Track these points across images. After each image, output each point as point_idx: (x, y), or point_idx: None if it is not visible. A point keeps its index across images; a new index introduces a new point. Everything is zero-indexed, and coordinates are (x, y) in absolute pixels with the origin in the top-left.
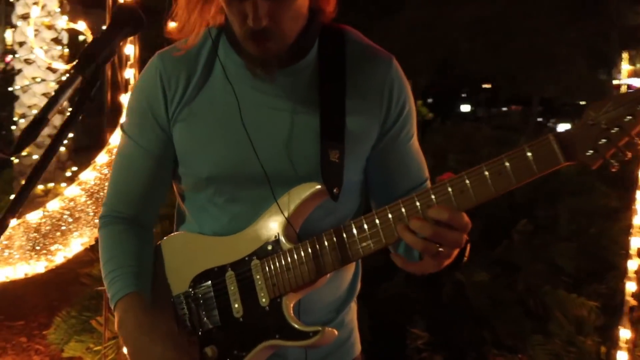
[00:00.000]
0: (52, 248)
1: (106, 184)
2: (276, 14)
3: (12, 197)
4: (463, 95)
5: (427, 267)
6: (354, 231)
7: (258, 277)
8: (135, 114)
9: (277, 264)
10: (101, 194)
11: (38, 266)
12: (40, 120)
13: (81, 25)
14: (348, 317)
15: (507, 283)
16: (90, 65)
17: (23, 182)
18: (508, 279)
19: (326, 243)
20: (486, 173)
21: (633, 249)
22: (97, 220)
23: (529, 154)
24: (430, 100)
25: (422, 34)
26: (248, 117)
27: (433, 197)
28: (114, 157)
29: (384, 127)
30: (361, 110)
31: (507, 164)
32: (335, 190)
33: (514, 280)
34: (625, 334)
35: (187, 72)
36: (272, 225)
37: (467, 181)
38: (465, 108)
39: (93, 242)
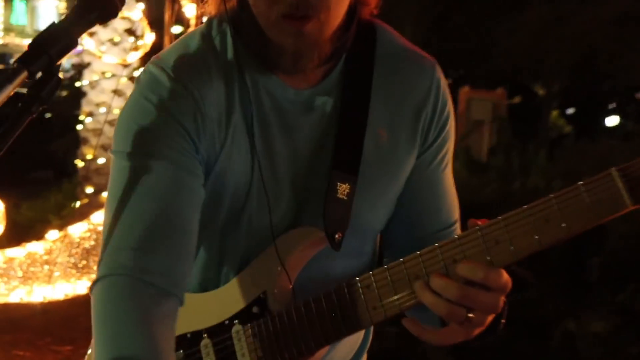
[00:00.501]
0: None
1: None
2: None
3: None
4: (611, 106)
5: (451, 337)
6: (361, 291)
7: (240, 346)
8: (156, 130)
9: (265, 330)
10: None
11: (79, 286)
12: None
13: (137, 14)
14: None
15: (632, 336)
16: (40, 58)
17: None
18: (633, 332)
19: (325, 306)
20: (529, 219)
21: None
22: None
23: (585, 194)
24: (570, 111)
25: (556, 32)
26: (258, 138)
27: (461, 248)
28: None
29: (424, 145)
30: (392, 132)
31: (555, 207)
32: (337, 236)
33: None
34: None
35: (220, 94)
36: (261, 279)
37: (505, 229)
38: (613, 121)
39: None
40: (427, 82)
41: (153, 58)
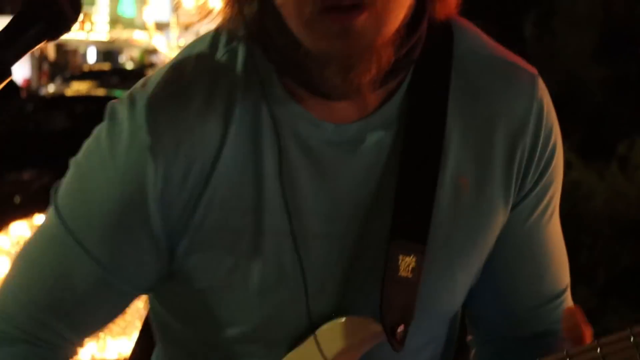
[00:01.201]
0: None
1: None
2: None
3: None
4: None
5: None
6: None
7: None
8: (94, 207)
9: None
10: None
11: None
12: None
13: None
14: None
15: None
16: None
17: None
18: None
19: None
20: None
21: None
22: None
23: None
24: None
25: None
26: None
27: None
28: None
29: (519, 192)
30: (476, 178)
31: None
32: (399, 330)
33: None
34: None
35: (198, 143)
36: None
37: None
38: None
39: None
40: (525, 104)
41: (137, 84)
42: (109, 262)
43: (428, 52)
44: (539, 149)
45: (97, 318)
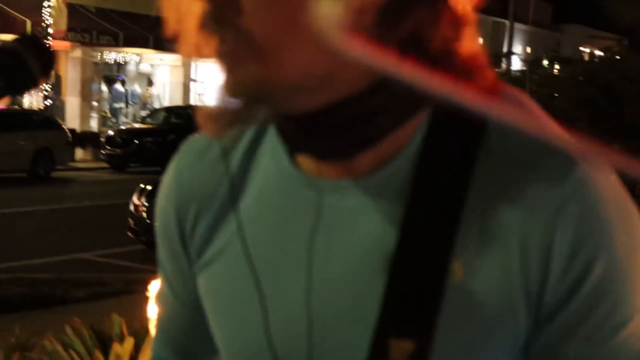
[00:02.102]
0: None
1: None
2: None
3: None
4: None
5: None
6: None
7: None
8: (158, 236)
9: None
10: None
11: None
12: None
13: None
14: None
15: None
16: None
17: None
18: None
19: None
20: None
21: None
22: None
23: None
24: None
25: None
26: (281, 266)
27: None
28: None
29: (539, 308)
30: (486, 270)
31: None
32: None
33: None
34: None
35: (209, 189)
36: None
37: None
38: None
39: None
40: (555, 192)
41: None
42: (170, 280)
43: (450, 124)
44: (564, 251)
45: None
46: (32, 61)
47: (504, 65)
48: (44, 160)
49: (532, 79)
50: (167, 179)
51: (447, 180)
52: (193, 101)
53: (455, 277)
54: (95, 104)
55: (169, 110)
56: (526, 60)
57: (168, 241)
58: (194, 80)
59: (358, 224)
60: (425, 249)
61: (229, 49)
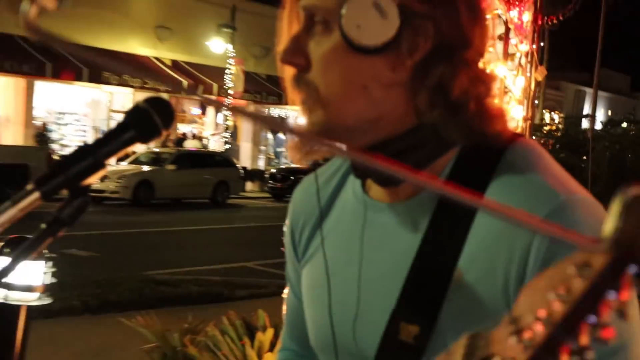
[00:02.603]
0: None
1: None
2: (313, 55)
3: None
4: None
5: None
6: None
7: None
8: (285, 245)
9: None
10: None
11: None
12: None
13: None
14: None
15: None
16: (55, 179)
17: None
18: None
19: None
20: None
21: None
22: None
23: None
24: None
25: None
26: (343, 259)
27: None
28: None
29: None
30: (477, 275)
31: None
32: None
33: None
34: None
35: (311, 209)
36: None
37: None
38: None
39: None
40: (538, 216)
41: None
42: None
43: (470, 163)
44: (529, 264)
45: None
46: (157, 117)
47: (587, 125)
48: (222, 190)
49: (610, 137)
50: (289, 205)
51: (461, 208)
52: None
53: (456, 280)
54: (263, 148)
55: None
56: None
57: (287, 247)
58: None
59: (389, 236)
60: (436, 260)
61: (304, 100)
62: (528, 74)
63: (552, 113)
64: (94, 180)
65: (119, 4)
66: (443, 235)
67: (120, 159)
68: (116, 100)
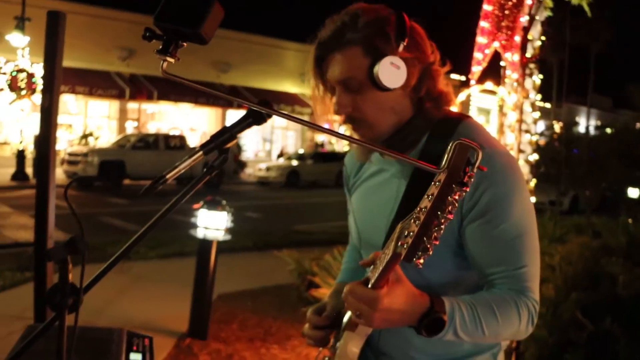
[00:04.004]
0: None
1: None
2: (357, 104)
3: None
4: None
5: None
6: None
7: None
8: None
9: None
10: None
11: None
12: (160, 177)
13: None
14: None
15: None
16: (210, 145)
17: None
18: None
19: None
20: None
21: None
22: None
23: None
24: None
25: None
26: (368, 194)
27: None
28: None
29: (462, 210)
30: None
31: None
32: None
33: None
34: None
35: (353, 166)
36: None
37: None
38: None
39: None
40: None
41: None
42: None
43: (438, 132)
44: (469, 193)
45: None
46: (264, 113)
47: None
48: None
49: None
50: (344, 165)
51: (433, 157)
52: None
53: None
54: None
55: None
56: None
57: (345, 187)
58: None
59: (391, 179)
60: (417, 193)
61: (355, 128)
62: (517, 93)
63: (554, 122)
64: (231, 145)
65: (275, 59)
66: (420, 180)
67: (278, 156)
68: (275, 120)
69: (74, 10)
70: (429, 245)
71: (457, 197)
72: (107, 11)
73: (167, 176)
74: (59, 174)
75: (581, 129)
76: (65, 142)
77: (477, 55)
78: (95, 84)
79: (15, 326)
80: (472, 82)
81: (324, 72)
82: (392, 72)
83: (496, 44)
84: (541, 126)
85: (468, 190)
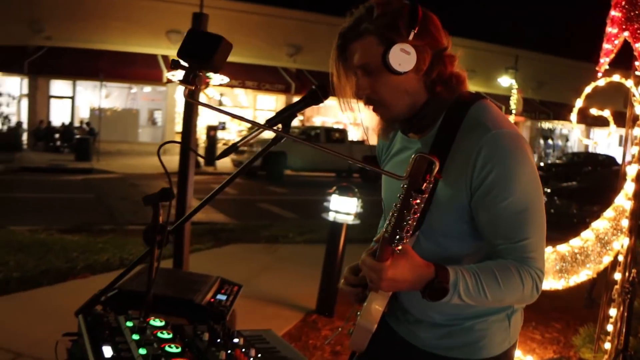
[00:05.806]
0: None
1: (612, 231)
2: (374, 87)
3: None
4: None
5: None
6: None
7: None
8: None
9: None
10: (605, 238)
11: (558, 284)
12: (233, 145)
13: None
14: (478, 326)
15: None
16: (275, 120)
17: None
18: None
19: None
20: None
21: None
22: (601, 259)
23: None
24: None
25: None
26: (392, 169)
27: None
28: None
29: (472, 187)
30: (452, 172)
31: None
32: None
33: None
34: None
35: (383, 144)
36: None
37: None
38: None
39: (594, 275)
40: (480, 137)
41: None
42: None
43: (452, 113)
44: (479, 164)
45: None
46: (320, 92)
47: None
48: None
49: None
50: (377, 144)
51: (446, 137)
52: (591, 149)
53: (444, 172)
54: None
55: (575, 154)
56: None
57: (379, 161)
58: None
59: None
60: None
61: (375, 108)
62: None
63: None
64: (291, 120)
65: None
66: (437, 152)
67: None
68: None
69: (249, 10)
70: (404, 235)
71: (418, 201)
72: (279, 10)
73: (238, 145)
74: (227, 162)
75: None
76: (235, 133)
77: (607, 46)
78: (263, 78)
79: None
80: (599, 74)
81: (348, 59)
82: (402, 57)
83: (626, 34)
84: None
85: (426, 196)
